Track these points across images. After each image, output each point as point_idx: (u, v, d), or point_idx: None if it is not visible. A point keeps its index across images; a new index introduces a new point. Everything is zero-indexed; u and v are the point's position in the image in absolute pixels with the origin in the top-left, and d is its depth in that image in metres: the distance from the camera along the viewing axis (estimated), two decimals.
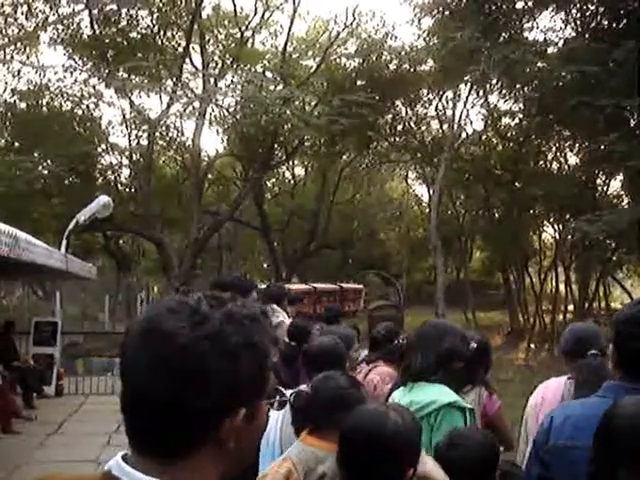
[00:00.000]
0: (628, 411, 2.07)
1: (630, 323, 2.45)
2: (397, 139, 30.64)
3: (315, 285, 29.89)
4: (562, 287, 32.10)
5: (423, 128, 31.51)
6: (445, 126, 29.99)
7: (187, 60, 27.04)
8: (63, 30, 26.45)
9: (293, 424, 3.08)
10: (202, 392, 1.10)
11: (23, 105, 25.98)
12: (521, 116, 26.81)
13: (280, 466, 2.80)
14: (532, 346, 26.89)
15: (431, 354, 3.38)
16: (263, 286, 8.83)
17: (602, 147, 18.65)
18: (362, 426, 2.31)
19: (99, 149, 27.05)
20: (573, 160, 29.25)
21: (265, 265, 43.84)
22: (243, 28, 27.97)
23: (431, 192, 32.37)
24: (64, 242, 13.16)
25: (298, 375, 5.46)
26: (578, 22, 21.64)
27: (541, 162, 30.18)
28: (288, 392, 3.41)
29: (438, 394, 3.24)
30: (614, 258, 27.30)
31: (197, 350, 1.10)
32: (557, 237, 31.63)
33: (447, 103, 29.58)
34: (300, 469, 2.75)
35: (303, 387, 3.25)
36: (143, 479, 1.11)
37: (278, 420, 3.42)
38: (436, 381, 3.33)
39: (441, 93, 28.83)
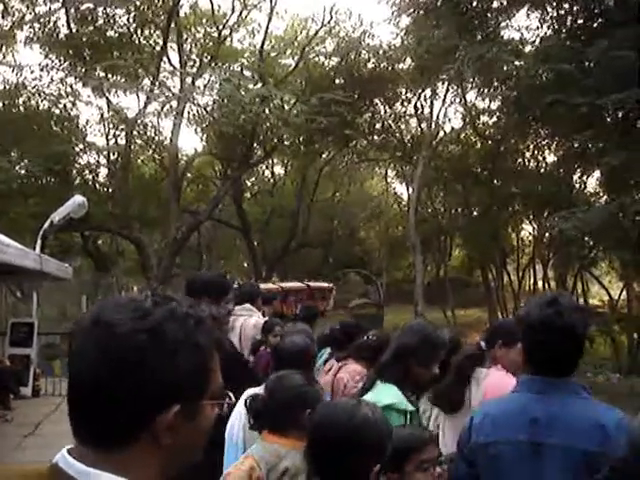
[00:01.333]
0: None
1: (542, 330, 2.52)
2: (376, 137, 30.67)
3: (282, 284, 29.42)
4: (540, 284, 32.28)
5: (402, 126, 31.56)
6: (423, 124, 30.08)
7: (164, 59, 27.01)
8: (40, 29, 26.28)
9: (251, 427, 3.10)
10: (136, 383, 1.14)
11: None
12: (499, 114, 26.97)
13: (242, 463, 2.84)
14: None
15: (389, 351, 3.45)
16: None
17: (578, 144, 18.80)
18: (332, 417, 2.33)
19: (76, 148, 26.91)
20: (551, 158, 29.46)
21: (245, 264, 43.75)
22: (221, 27, 27.95)
23: (410, 190, 32.48)
24: (39, 242, 13.07)
25: (256, 367, 5.47)
26: (554, 21, 21.78)
27: (519, 160, 30.33)
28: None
29: (382, 395, 3.27)
30: (591, 255, 27.49)
31: (134, 342, 1.15)
32: (535, 234, 31.83)
33: (425, 101, 29.70)
34: (263, 465, 2.78)
35: (258, 390, 3.27)
36: (85, 470, 1.14)
37: (241, 417, 3.44)
38: (391, 380, 3.36)
39: (419, 91, 28.90)
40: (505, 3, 21.63)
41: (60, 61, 26.54)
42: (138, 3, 26.05)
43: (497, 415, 2.60)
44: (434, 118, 29.13)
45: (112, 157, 28.62)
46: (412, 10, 23.35)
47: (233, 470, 2.84)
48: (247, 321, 6.42)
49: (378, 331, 5.76)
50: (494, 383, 3.94)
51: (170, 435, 1.17)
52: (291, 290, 28.82)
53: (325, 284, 30.37)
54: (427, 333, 3.52)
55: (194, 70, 27.96)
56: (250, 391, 3.53)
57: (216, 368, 1.27)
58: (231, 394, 1.34)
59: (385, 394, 3.27)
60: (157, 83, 25.75)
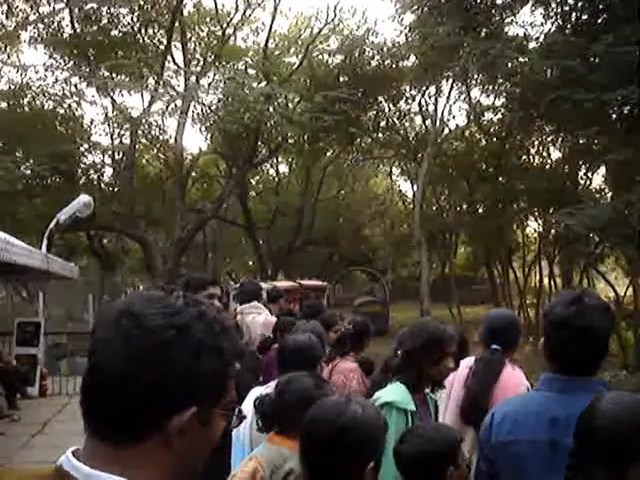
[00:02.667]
0: (609, 409, 2.07)
1: (561, 327, 2.50)
2: (380, 135, 30.65)
3: (274, 283, 29.22)
4: (546, 281, 32.23)
5: (406, 124, 31.54)
6: (428, 122, 30.06)
7: (169, 58, 27.01)
8: (44, 29, 26.35)
9: (259, 430, 3.10)
10: (158, 378, 1.14)
11: (4, 105, 25.84)
12: (503, 111, 26.92)
13: (246, 465, 2.85)
14: None
15: (399, 357, 3.52)
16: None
17: (583, 141, 18.75)
18: (320, 415, 2.32)
19: (81, 148, 26.94)
20: (556, 154, 29.40)
21: (250, 263, 43.78)
22: (224, 25, 27.94)
23: (415, 188, 32.46)
24: (45, 242, 13.11)
25: (269, 365, 5.48)
26: (558, 17, 21.73)
27: (524, 157, 30.23)
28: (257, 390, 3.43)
29: (385, 392, 3.33)
30: (597, 251, 27.42)
31: (162, 337, 1.15)
32: (540, 231, 31.75)
33: (429, 99, 29.67)
34: (266, 467, 2.79)
35: (263, 389, 3.28)
36: (90, 473, 1.13)
37: (248, 417, 3.44)
38: (402, 380, 3.39)
39: (423, 89, 28.87)
40: None
41: (64, 61, 26.60)
42: (142, 2, 26.06)
43: (517, 414, 2.58)
44: (438, 115, 29.12)
45: (117, 156, 28.65)
46: (416, 7, 23.31)
47: (239, 472, 2.86)
48: (255, 319, 6.44)
49: (354, 318, 5.80)
50: (507, 382, 3.91)
51: (181, 439, 1.17)
52: (283, 289, 28.37)
53: (318, 282, 29.69)
54: (430, 332, 3.50)
55: (198, 69, 28.00)
56: (257, 391, 3.53)
57: (232, 378, 1.27)
58: (242, 408, 1.34)
59: (389, 392, 3.31)
60: (161, 82, 25.77)
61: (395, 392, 3.32)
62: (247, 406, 3.55)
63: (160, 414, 1.15)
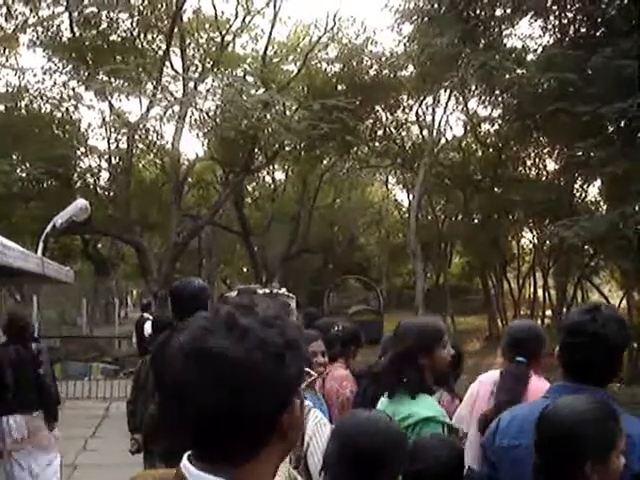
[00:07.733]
0: (568, 405, 2.20)
1: (575, 333, 2.56)
2: (377, 144, 30.68)
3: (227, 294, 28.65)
4: (540, 292, 32.29)
5: (403, 133, 31.59)
6: (425, 132, 30.12)
7: (167, 63, 26.95)
8: (43, 32, 26.29)
9: None
10: (261, 399, 1.17)
11: (1, 107, 25.78)
12: (500, 122, 27.00)
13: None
14: None
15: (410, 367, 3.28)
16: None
17: (579, 153, 18.82)
18: (365, 428, 2.30)
19: (78, 152, 26.84)
20: (552, 166, 29.48)
21: (245, 269, 43.72)
22: (224, 32, 27.93)
23: (410, 197, 32.51)
24: (40, 245, 13.06)
25: None
26: (556, 29, 21.84)
27: (520, 168, 30.34)
28: None
29: (421, 407, 3.16)
30: (592, 264, 27.48)
31: (250, 362, 1.16)
32: (535, 242, 31.83)
33: (427, 109, 29.75)
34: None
35: None
36: (199, 474, 1.19)
37: None
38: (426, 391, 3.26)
39: (421, 99, 28.94)
40: (508, 11, 21.69)
41: (63, 65, 26.49)
42: (141, 8, 26.09)
43: (523, 420, 2.60)
44: (435, 125, 29.18)
45: (114, 161, 28.59)
46: (415, 17, 23.40)
47: None
48: None
49: (344, 323, 5.76)
50: (536, 394, 3.89)
51: (293, 429, 1.24)
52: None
53: (279, 291, 28.88)
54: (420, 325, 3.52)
55: (197, 75, 27.95)
56: None
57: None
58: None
59: (423, 406, 3.18)
60: (159, 87, 25.69)
61: (429, 406, 3.19)
62: None
63: (273, 423, 1.20)
